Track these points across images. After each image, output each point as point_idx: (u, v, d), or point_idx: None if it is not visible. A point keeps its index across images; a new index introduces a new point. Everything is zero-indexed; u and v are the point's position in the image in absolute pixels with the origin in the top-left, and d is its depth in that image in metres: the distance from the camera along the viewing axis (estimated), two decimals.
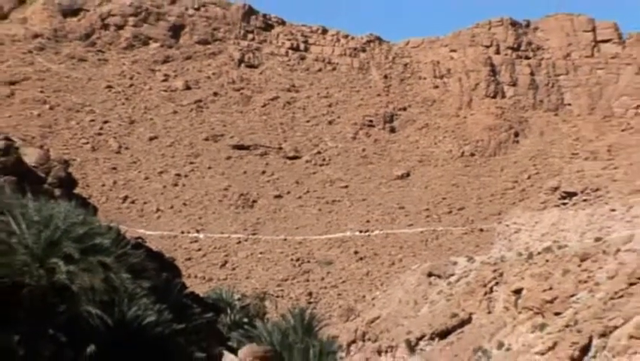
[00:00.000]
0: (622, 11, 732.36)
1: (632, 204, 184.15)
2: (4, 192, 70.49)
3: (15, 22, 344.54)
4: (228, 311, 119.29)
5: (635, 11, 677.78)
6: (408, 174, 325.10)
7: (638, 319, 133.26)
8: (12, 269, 55.87)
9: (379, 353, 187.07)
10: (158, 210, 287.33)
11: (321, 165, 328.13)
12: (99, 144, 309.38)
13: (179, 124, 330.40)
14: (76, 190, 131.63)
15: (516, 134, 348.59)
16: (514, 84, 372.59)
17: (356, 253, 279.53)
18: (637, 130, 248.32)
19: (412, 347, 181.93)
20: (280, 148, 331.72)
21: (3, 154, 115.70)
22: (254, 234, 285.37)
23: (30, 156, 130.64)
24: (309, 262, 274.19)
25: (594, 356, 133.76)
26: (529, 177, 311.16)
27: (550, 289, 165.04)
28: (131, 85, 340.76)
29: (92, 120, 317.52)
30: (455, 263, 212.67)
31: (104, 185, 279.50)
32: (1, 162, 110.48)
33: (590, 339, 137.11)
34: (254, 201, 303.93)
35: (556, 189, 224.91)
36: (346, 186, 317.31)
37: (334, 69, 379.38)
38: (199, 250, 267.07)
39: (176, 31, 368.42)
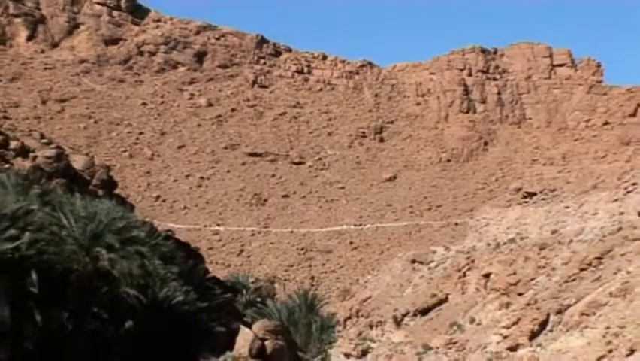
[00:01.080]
0: (575, 39, 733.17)
1: (582, 202, 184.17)
2: (56, 192, 70.73)
3: (65, 50, 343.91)
4: (244, 292, 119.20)
5: (586, 39, 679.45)
6: (395, 177, 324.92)
7: (588, 298, 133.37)
8: (62, 257, 55.89)
9: (370, 327, 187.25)
10: (184, 207, 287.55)
11: (321, 170, 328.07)
12: (135, 152, 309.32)
13: (203, 135, 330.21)
14: (116, 191, 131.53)
15: (485, 144, 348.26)
16: (483, 101, 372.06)
17: (351, 243, 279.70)
18: (587, 140, 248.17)
19: (397, 322, 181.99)
20: (287, 155, 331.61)
21: (55, 160, 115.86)
22: (265, 227, 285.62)
23: (78, 162, 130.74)
24: (311, 250, 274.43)
25: (551, 330, 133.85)
26: (496, 180, 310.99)
27: (514, 273, 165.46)
28: (162, 102, 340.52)
29: (130, 132, 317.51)
30: (434, 252, 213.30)
31: (139, 186, 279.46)
32: (54, 167, 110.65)
33: (548, 316, 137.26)
34: (265, 200, 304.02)
35: (519, 189, 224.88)
36: (343, 187, 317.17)
37: (333, 89, 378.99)
38: (219, 240, 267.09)
39: (200, 57, 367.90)
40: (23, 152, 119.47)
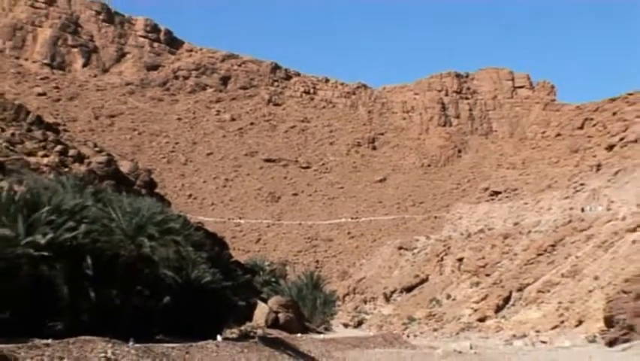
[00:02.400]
0: (533, 62, 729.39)
1: (539, 199, 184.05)
2: (106, 192, 70.97)
3: (114, 74, 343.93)
4: (261, 273, 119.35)
5: (543, 63, 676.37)
6: (384, 179, 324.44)
7: (544, 278, 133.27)
8: (112, 245, 55.97)
9: (365, 302, 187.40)
10: (212, 203, 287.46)
11: (324, 173, 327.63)
12: (172, 158, 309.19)
13: (227, 144, 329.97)
14: (156, 190, 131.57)
15: (459, 152, 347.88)
16: (457, 117, 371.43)
17: (349, 233, 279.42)
18: (542, 148, 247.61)
19: (387, 298, 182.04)
20: (296, 161, 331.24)
21: (106, 165, 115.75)
22: (278, 220, 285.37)
23: (124, 167, 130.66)
24: (316, 239, 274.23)
25: (513, 305, 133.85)
26: (468, 181, 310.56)
27: (483, 258, 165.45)
28: (193, 117, 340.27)
29: (167, 142, 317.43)
30: (417, 240, 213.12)
31: (175, 186, 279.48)
32: (105, 171, 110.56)
33: (510, 293, 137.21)
34: (278, 198, 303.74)
35: (486, 189, 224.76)
36: (342, 187, 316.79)
37: (334, 106, 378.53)
38: (240, 231, 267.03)
39: (224, 80, 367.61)
40: (80, 158, 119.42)
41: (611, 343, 77.47)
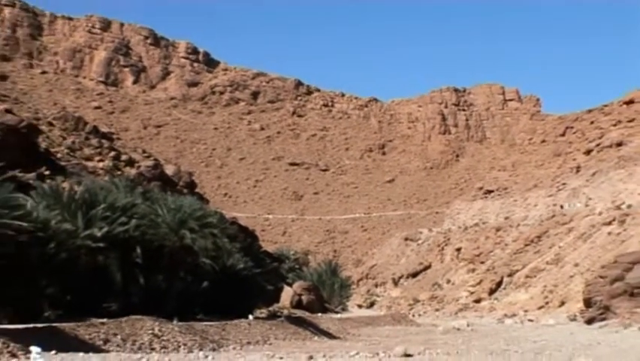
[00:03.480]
0: (521, 76, 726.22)
1: (526, 197, 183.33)
2: (154, 191, 70.96)
3: (159, 90, 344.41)
4: (286, 261, 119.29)
5: (531, 79, 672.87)
6: (393, 180, 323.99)
7: (531, 265, 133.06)
8: (158, 237, 55.96)
9: (376, 286, 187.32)
10: (244, 201, 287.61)
11: (341, 174, 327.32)
12: (209, 162, 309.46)
13: (257, 150, 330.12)
14: (196, 190, 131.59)
15: (457, 156, 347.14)
16: (456, 126, 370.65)
17: (362, 226, 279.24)
18: (529, 153, 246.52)
19: (395, 282, 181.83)
20: (317, 164, 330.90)
21: (153, 169, 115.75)
22: (301, 215, 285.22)
23: (169, 170, 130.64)
24: (334, 232, 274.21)
25: (504, 288, 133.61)
26: (465, 181, 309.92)
27: (478, 247, 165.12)
28: (228, 127, 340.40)
29: (205, 148, 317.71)
30: (421, 232, 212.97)
31: (212, 186, 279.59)
32: (152, 174, 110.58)
33: (502, 278, 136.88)
34: (301, 196, 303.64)
35: (481, 188, 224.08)
36: (356, 187, 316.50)
37: (349, 117, 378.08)
38: (269, 225, 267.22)
39: (255, 95, 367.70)
40: (130, 163, 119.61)
41: (590, 321, 77.27)
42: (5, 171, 46.46)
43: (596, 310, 78.65)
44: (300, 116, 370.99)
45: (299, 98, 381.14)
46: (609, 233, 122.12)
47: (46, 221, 46.00)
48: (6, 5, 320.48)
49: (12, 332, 28.46)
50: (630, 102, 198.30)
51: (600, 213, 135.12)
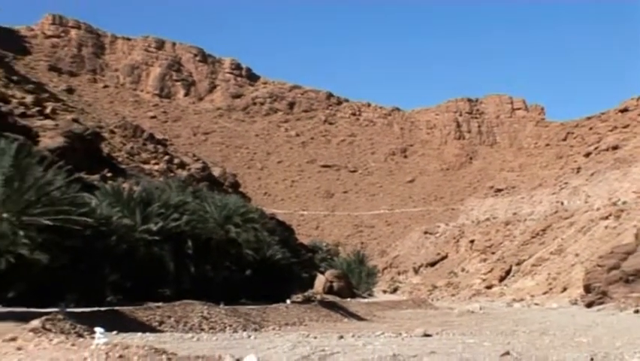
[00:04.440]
0: (527, 85, 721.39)
1: (532, 195, 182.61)
2: (202, 191, 71.30)
3: (207, 102, 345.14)
4: (319, 252, 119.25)
5: (536, 89, 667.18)
6: (413, 180, 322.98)
7: (537, 255, 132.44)
8: (206, 231, 56.17)
9: (398, 273, 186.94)
10: (282, 199, 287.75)
11: (367, 175, 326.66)
12: (251, 165, 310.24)
13: (293, 154, 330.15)
14: (240, 189, 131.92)
15: (470, 159, 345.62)
16: (469, 132, 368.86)
17: (386, 221, 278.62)
18: (535, 155, 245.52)
19: (416, 271, 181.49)
20: (346, 166, 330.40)
21: (202, 171, 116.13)
22: (332, 212, 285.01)
23: (216, 172, 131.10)
24: (361, 226, 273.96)
25: (513, 276, 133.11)
26: (477, 181, 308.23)
27: (489, 240, 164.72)
28: (268, 134, 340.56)
29: (247, 152, 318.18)
30: (439, 226, 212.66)
31: (254, 186, 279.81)
32: (201, 175, 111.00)
33: (511, 266, 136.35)
34: (332, 194, 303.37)
35: (492, 187, 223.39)
36: (381, 186, 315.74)
37: (374, 125, 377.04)
38: (304, 220, 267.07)
39: (291, 105, 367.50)
40: (182, 165, 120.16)
41: (589, 305, 76.90)
42: (72, 173, 46.68)
43: (594, 295, 78.38)
44: (331, 123, 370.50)
45: (330, 107, 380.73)
46: (606, 227, 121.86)
47: (108, 217, 46.38)
48: (72, 27, 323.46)
49: (79, 315, 28.69)
50: (625, 110, 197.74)
51: (598, 209, 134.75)
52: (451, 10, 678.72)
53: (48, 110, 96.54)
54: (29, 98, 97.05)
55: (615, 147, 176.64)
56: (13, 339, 18.48)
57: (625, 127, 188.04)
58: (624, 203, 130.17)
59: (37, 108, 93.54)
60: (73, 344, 17.60)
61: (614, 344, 27.49)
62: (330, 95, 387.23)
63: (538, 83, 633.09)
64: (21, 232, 37.30)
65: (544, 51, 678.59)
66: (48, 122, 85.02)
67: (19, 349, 17.57)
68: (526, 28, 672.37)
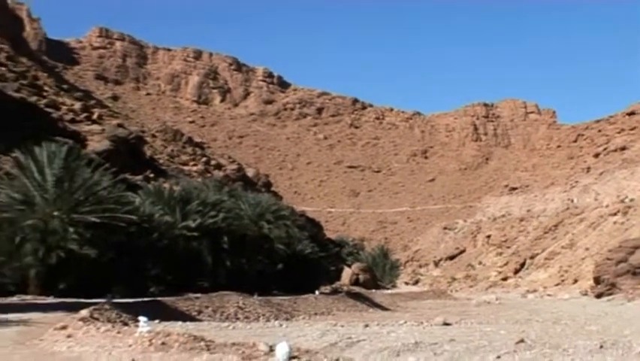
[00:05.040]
0: (540, 90, 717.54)
1: (545, 193, 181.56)
2: (237, 190, 71.37)
3: (241, 107, 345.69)
4: (346, 247, 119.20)
5: (548, 94, 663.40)
6: (434, 179, 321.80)
7: (549, 249, 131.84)
8: (241, 227, 56.38)
9: (420, 266, 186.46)
10: (311, 197, 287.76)
11: (390, 175, 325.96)
12: (282, 166, 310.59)
13: (322, 156, 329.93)
14: (272, 188, 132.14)
15: (487, 159, 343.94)
16: (485, 134, 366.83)
17: (408, 218, 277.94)
18: (547, 156, 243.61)
19: (436, 264, 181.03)
20: (370, 167, 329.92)
21: (237, 171, 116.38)
22: (358, 209, 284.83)
23: (249, 172, 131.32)
24: (385, 222, 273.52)
25: (527, 268, 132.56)
26: (493, 180, 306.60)
27: (505, 235, 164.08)
28: (298, 137, 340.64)
29: (279, 154, 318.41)
30: (457, 222, 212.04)
31: (285, 186, 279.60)
32: (236, 176, 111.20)
33: (525, 260, 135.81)
34: (358, 193, 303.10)
35: (507, 186, 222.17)
36: (403, 185, 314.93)
37: (397, 128, 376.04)
38: (331, 216, 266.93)
39: (319, 110, 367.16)
40: (218, 167, 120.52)
41: (599, 296, 76.47)
42: (117, 174, 47.09)
43: (604, 287, 77.94)
44: (356, 127, 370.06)
45: (355, 112, 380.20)
46: (614, 222, 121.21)
47: (150, 215, 46.76)
48: (118, 39, 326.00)
49: (124, 305, 28.86)
50: (632, 113, 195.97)
51: (607, 206, 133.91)
52: (468, 22, 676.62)
53: (95, 116, 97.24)
54: (78, 105, 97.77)
55: (623, 148, 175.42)
56: (64, 327, 18.65)
57: (632, 129, 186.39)
58: (631, 200, 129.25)
59: (85, 114, 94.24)
60: (118, 332, 17.74)
61: (622, 332, 27.34)
62: (355, 101, 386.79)
63: (550, 88, 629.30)
64: (71, 229, 37.80)
65: (555, 58, 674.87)
66: (95, 127, 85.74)
67: (69, 336, 17.72)
68: (539, 37, 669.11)
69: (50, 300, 33.68)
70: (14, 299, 34.27)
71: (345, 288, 78.64)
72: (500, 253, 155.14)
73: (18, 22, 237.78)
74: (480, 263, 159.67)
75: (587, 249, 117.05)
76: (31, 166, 39.73)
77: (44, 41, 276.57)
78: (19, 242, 37.57)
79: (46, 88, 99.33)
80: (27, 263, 37.56)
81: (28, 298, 34.94)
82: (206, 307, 38.50)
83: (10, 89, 79.35)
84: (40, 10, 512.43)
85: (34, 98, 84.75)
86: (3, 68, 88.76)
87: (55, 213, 38.52)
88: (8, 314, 24.41)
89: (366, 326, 29.39)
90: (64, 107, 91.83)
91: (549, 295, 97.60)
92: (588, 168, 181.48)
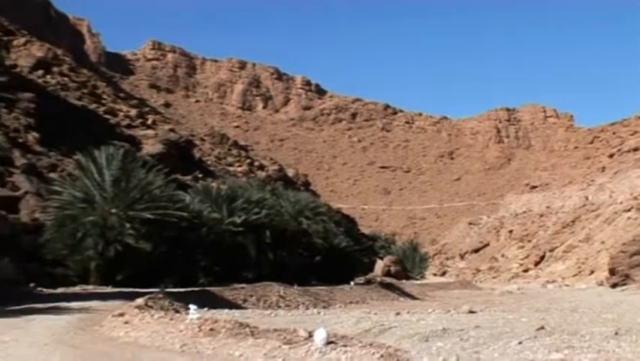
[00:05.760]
0: (560, 99, 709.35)
1: (563, 191, 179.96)
2: (278, 189, 71.29)
3: (282, 113, 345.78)
4: (378, 241, 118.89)
5: (566, 99, 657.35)
6: (459, 178, 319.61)
7: (567, 243, 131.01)
8: (282, 222, 56.42)
9: (447, 259, 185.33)
10: (346, 195, 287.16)
11: (419, 175, 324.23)
12: (320, 166, 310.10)
13: (356, 157, 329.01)
14: (310, 187, 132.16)
15: (509, 160, 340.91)
16: (507, 137, 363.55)
17: (436, 214, 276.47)
18: (565, 157, 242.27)
19: (462, 257, 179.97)
20: (401, 167, 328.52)
21: (278, 172, 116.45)
22: (389, 206, 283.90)
23: (290, 172, 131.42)
24: (414, 218, 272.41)
25: (547, 261, 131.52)
26: (515, 180, 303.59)
27: (526, 230, 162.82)
28: (334, 140, 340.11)
29: (316, 156, 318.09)
30: (482, 218, 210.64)
31: (322, 185, 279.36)
32: (277, 176, 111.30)
33: (545, 253, 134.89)
34: (389, 191, 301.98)
35: (527, 184, 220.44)
36: (431, 184, 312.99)
37: (425, 131, 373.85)
38: (365, 213, 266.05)
39: (354, 115, 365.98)
40: (261, 167, 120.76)
41: (614, 286, 75.79)
42: (169, 174, 47.48)
43: (618, 278, 77.26)
44: (388, 131, 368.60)
45: (387, 117, 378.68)
46: (628, 218, 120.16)
47: (199, 212, 47.04)
48: (169, 51, 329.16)
49: (176, 294, 29.08)
50: None
51: (621, 203, 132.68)
52: (491, 34, 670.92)
53: (149, 122, 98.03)
54: (133, 112, 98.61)
55: (636, 149, 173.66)
56: (122, 315, 18.85)
57: None
58: None
59: (140, 120, 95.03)
60: (171, 319, 17.87)
61: (635, 319, 26.97)
62: (387, 107, 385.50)
63: (568, 94, 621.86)
64: (127, 225, 38.23)
65: (572, 64, 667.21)
66: (149, 132, 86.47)
67: (126, 323, 17.90)
68: (558, 45, 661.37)
69: (109, 290, 34.08)
70: (77, 289, 34.75)
71: (377, 279, 78.38)
72: (522, 247, 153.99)
73: (79, 36, 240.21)
74: (503, 256, 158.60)
75: (602, 242, 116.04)
76: (92, 168, 40.29)
77: (103, 54, 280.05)
78: (81, 237, 38.16)
79: (104, 96, 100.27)
80: (88, 256, 38.14)
81: (90, 288, 35.40)
82: (251, 296, 38.63)
83: (72, 98, 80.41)
84: (99, 25, 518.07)
85: (94, 106, 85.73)
86: (66, 79, 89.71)
87: (113, 211, 38.97)
88: (71, 303, 24.80)
89: (398, 313, 29.27)
90: (121, 114, 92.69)
91: (567, 285, 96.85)
92: (603, 168, 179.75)
